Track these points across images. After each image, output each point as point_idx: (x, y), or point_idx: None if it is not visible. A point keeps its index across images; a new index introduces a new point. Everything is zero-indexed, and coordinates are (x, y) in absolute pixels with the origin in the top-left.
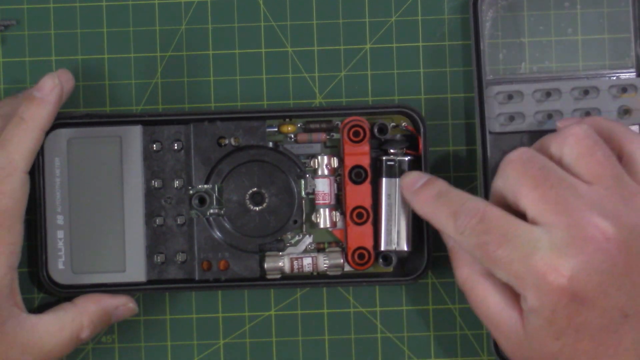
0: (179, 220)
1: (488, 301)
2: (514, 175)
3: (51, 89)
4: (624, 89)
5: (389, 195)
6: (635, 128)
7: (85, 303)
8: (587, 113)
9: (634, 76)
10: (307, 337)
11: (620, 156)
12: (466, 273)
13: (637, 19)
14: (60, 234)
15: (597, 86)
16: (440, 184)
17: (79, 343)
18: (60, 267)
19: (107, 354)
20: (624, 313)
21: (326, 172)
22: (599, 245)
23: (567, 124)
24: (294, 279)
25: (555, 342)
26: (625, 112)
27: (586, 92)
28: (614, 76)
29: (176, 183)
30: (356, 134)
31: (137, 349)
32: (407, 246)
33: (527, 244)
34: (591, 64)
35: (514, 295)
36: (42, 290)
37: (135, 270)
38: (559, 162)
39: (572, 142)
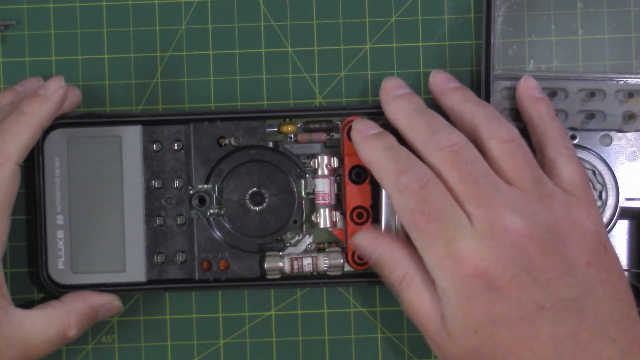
0: (179, 220)
1: (419, 302)
2: (441, 162)
3: (55, 90)
4: (630, 94)
5: (388, 196)
6: (639, 134)
7: (73, 301)
8: (592, 115)
9: None
10: (307, 337)
11: (544, 159)
12: (403, 272)
13: None
14: (60, 233)
15: (604, 89)
16: (392, 140)
17: (66, 342)
18: (60, 267)
19: (107, 354)
20: (540, 305)
21: (326, 172)
22: (515, 240)
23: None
24: (294, 279)
25: (474, 335)
26: (630, 117)
27: (592, 94)
28: (621, 80)
29: (176, 183)
30: None
31: (137, 349)
32: None
33: (454, 228)
34: (599, 66)
35: (438, 297)
36: (42, 290)
37: (135, 270)
38: (485, 152)
39: (496, 144)
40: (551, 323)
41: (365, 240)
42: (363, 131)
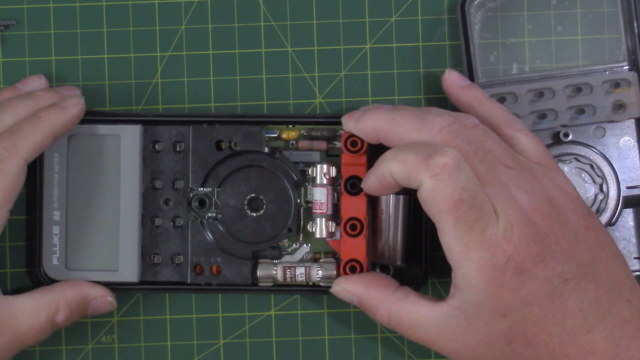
0: (175, 223)
1: (419, 316)
2: (444, 144)
3: (74, 103)
4: (616, 84)
5: (382, 210)
6: (631, 122)
7: (63, 287)
8: (582, 110)
9: (626, 70)
10: (307, 337)
11: (501, 139)
12: (385, 309)
13: (626, 13)
14: (56, 229)
15: (590, 83)
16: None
17: (55, 328)
18: (54, 263)
19: (107, 354)
20: (563, 278)
21: (324, 181)
22: (529, 217)
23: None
24: (287, 287)
25: (504, 319)
26: (619, 106)
27: (579, 89)
28: (606, 71)
29: (174, 185)
30: (354, 144)
31: (137, 349)
32: (401, 261)
33: (487, 215)
34: (583, 61)
35: (436, 299)
36: (37, 286)
37: (128, 270)
38: None
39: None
40: (575, 294)
41: (340, 290)
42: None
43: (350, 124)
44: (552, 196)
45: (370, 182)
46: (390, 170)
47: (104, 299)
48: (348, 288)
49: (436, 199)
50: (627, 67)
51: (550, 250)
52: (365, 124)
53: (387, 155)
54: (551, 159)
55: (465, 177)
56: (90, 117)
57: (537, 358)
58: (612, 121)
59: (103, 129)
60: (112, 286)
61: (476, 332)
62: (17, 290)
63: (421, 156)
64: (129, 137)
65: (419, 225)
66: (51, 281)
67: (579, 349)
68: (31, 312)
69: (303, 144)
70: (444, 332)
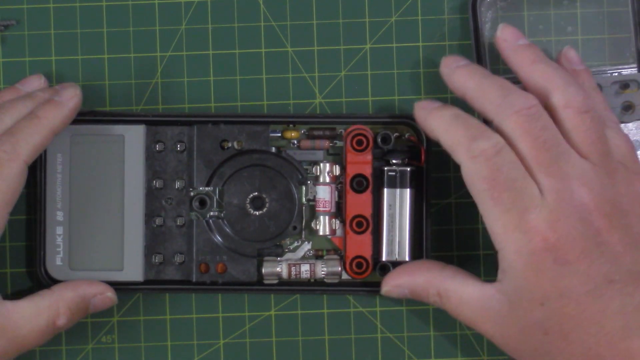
0: (179, 222)
1: (465, 295)
2: (515, 126)
3: (70, 97)
4: (625, 85)
5: (390, 206)
6: (639, 124)
7: (63, 290)
8: None
9: (636, 71)
10: (307, 337)
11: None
12: (435, 289)
13: (637, 14)
14: (59, 229)
15: (599, 83)
16: (458, 109)
17: (56, 331)
18: (57, 263)
19: (107, 354)
20: (609, 279)
21: (327, 179)
22: (584, 214)
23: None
24: (291, 285)
25: (541, 308)
26: (628, 107)
27: None
28: (615, 72)
29: (177, 184)
30: (359, 142)
31: (137, 349)
32: (409, 256)
33: (527, 199)
34: (592, 62)
35: (483, 281)
36: (39, 286)
37: (133, 270)
38: (558, 119)
39: (571, 114)
40: (620, 296)
41: (389, 289)
42: (427, 106)
43: (447, 71)
44: (622, 201)
45: (421, 122)
46: (439, 135)
47: (104, 296)
48: (396, 283)
49: (474, 179)
50: (637, 68)
51: (600, 249)
52: (456, 80)
53: (446, 115)
54: (635, 162)
55: (503, 161)
56: (94, 117)
57: (573, 354)
58: (621, 122)
59: (106, 129)
60: (117, 286)
61: (516, 319)
62: (17, 291)
63: (468, 136)
64: (133, 138)
65: (420, 225)
66: (53, 281)
67: (615, 353)
68: (31, 316)
69: (305, 143)
70: (488, 315)
